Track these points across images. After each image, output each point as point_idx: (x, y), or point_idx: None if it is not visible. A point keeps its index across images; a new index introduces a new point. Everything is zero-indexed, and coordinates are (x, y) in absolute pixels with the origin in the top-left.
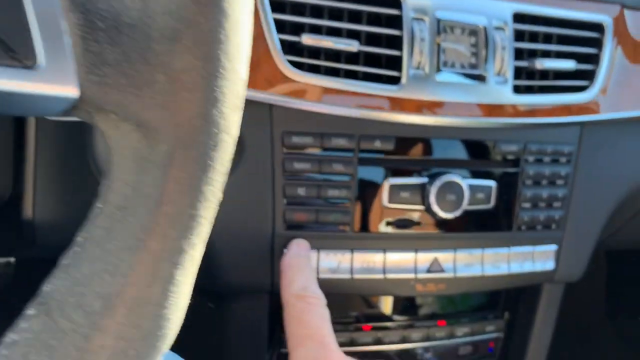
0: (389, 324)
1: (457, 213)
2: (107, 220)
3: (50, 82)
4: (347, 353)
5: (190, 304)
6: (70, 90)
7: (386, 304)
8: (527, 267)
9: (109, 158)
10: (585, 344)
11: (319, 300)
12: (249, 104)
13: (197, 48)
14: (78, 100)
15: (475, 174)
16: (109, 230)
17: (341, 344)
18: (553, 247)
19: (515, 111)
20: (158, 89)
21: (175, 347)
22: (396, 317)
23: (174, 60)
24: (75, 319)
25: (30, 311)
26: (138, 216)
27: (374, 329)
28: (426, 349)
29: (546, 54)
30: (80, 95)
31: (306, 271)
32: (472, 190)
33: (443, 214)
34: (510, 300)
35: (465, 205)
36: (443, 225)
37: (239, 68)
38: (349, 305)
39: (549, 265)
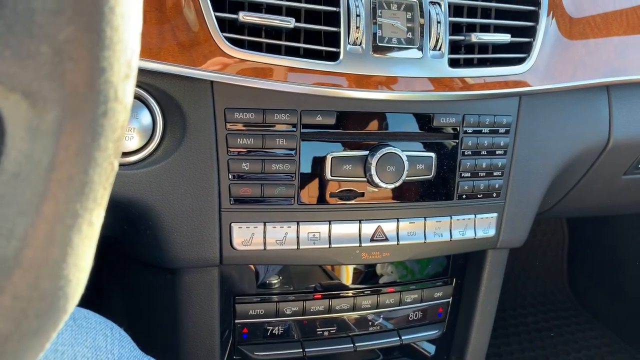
0: (340, 292)
1: (398, 183)
2: (2, 187)
3: None
4: (306, 322)
5: (143, 278)
6: None
7: (341, 275)
8: (469, 234)
9: (3, 128)
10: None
11: None
12: (190, 81)
13: (80, 19)
14: None
15: (416, 146)
16: (4, 196)
17: (294, 313)
18: (494, 215)
19: (453, 84)
20: (43, 60)
21: (131, 320)
22: (349, 286)
23: (58, 32)
24: None
25: None
26: (31, 182)
27: (325, 297)
28: (378, 315)
29: (486, 29)
30: None
31: None
32: (412, 161)
33: (384, 185)
34: (457, 267)
35: (405, 176)
36: (386, 195)
37: (126, 38)
38: (305, 277)
39: (491, 232)
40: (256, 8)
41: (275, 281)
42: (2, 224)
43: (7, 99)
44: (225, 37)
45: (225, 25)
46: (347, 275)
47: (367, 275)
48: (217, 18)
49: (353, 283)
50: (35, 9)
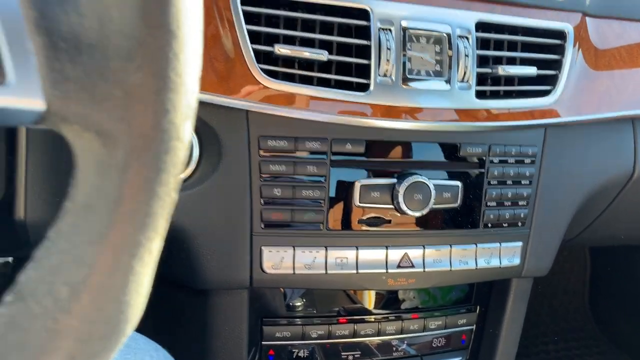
0: (365, 317)
1: (425, 211)
2: (74, 217)
3: (19, 96)
4: (330, 345)
5: (174, 298)
6: (37, 104)
7: (364, 299)
8: (494, 262)
9: (75, 163)
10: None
11: None
12: (227, 109)
13: (149, 66)
14: (45, 112)
15: (442, 175)
16: (75, 225)
17: (319, 337)
18: (519, 244)
19: (479, 115)
20: (115, 102)
21: (161, 339)
22: (373, 310)
23: (129, 77)
24: (45, 304)
25: (7, 298)
26: (100, 214)
27: (351, 321)
28: (401, 341)
29: (512, 61)
30: (47, 108)
31: None
32: (439, 189)
33: (411, 212)
34: (481, 294)
35: (432, 204)
36: (412, 223)
37: (188, 82)
38: (329, 301)
39: (516, 260)
40: (290, 40)
41: (299, 304)
42: (73, 252)
43: (81, 138)
44: (261, 69)
45: (260, 56)
46: (369, 299)
47: (390, 300)
48: (254, 50)
49: (375, 307)
50: (110, 55)
